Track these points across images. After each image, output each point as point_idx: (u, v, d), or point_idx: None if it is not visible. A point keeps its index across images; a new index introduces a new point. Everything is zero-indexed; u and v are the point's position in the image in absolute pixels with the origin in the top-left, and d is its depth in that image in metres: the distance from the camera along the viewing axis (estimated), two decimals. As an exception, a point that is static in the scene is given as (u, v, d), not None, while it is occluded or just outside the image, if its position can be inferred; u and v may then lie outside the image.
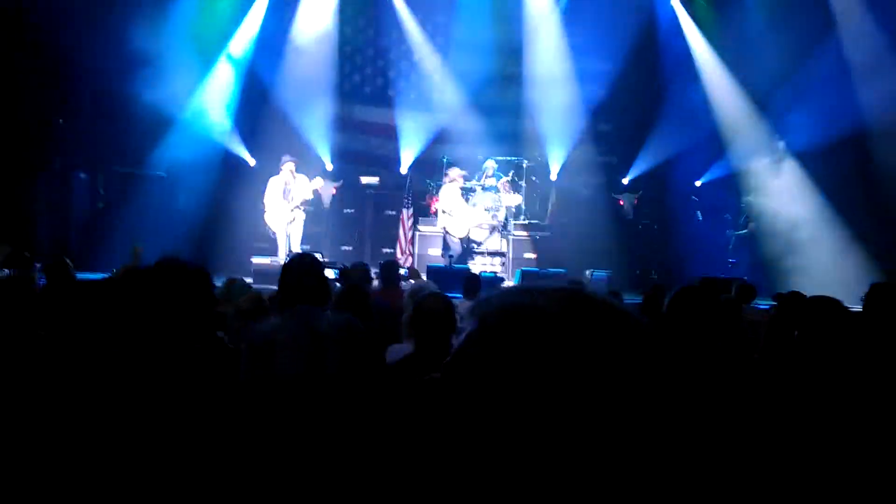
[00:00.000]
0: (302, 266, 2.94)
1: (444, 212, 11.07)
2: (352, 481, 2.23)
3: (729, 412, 2.28)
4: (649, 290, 6.14)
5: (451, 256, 11.01)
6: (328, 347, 2.71)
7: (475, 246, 11.53)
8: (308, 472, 2.44)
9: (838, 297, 3.31)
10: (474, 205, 11.62)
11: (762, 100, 12.13)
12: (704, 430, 2.01)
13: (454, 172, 11.25)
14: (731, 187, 12.42)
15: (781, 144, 12.12)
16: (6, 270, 5.99)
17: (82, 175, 10.90)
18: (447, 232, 11.21)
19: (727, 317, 4.90)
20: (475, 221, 11.19)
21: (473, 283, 6.90)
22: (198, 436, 2.19)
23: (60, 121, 10.34)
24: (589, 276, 10.47)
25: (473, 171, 12.42)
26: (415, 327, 2.89)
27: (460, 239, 11.10)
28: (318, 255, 5.90)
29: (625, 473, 0.64)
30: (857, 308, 4.39)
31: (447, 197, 11.05)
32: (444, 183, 11.33)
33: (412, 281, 7.07)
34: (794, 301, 4.96)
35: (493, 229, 11.52)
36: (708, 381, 2.43)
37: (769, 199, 11.87)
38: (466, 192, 11.93)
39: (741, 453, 2.20)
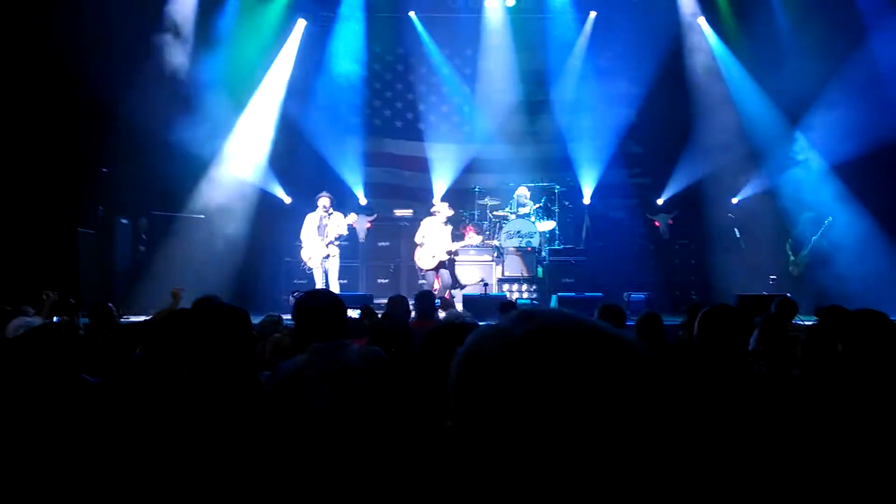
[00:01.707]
0: (313, 302, 2.93)
1: (417, 242, 10.96)
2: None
3: (758, 429, 2.25)
4: (688, 310, 6.06)
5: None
6: (356, 380, 2.70)
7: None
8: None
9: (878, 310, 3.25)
10: (508, 232, 11.65)
11: (794, 113, 11.96)
12: (723, 453, 1.98)
13: (442, 207, 11.00)
14: (769, 203, 12.20)
15: (804, 145, 11.90)
16: (54, 318, 6.17)
17: (124, 221, 11.19)
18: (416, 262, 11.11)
19: (768, 334, 4.84)
20: (443, 255, 11.02)
21: (509, 311, 6.87)
22: (235, 477, 2.23)
23: (104, 170, 10.66)
24: (626, 299, 10.37)
25: (506, 199, 12.48)
26: None
27: (427, 271, 10.97)
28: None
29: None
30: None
31: (424, 227, 10.88)
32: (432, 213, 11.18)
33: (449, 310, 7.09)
34: (836, 315, 4.85)
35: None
36: (734, 400, 2.40)
37: (807, 210, 11.61)
38: (501, 220, 11.96)
39: (780, 472, 2.16)
